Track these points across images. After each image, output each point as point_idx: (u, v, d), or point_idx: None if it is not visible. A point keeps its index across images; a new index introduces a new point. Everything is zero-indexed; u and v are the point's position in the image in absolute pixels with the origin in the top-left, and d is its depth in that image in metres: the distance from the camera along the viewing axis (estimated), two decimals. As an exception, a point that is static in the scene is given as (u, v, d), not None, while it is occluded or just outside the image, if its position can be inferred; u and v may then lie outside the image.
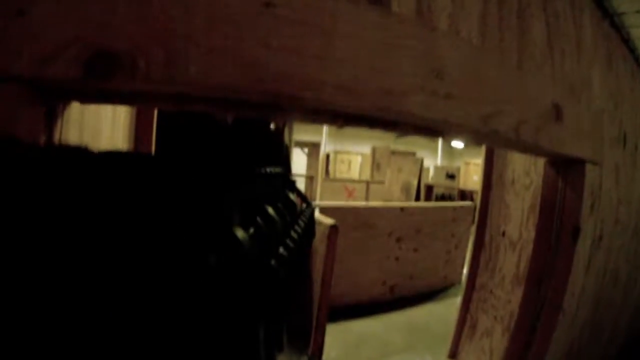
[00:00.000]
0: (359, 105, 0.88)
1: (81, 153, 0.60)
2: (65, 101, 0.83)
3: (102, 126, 1.19)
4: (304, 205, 1.99)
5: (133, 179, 0.58)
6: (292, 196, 1.80)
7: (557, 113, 1.38)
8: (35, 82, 0.68)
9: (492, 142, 1.51)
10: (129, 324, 0.49)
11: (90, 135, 1.06)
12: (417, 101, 0.96)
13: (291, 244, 1.24)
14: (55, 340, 0.44)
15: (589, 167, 1.54)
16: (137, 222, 0.55)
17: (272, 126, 1.96)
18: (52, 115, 0.79)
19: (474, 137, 1.34)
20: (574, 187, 1.54)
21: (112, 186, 0.54)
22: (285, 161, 2.39)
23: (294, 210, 1.65)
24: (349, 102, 0.86)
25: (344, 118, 0.97)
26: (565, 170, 1.59)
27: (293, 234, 1.34)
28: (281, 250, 1.15)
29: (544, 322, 1.63)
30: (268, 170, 1.56)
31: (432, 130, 1.16)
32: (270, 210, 1.21)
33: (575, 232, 1.51)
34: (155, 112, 1.56)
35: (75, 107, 0.89)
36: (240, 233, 0.83)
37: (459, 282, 5.27)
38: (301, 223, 1.55)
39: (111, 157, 0.63)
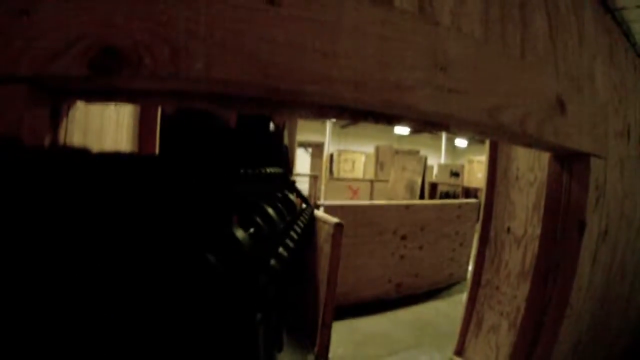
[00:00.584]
0: (365, 99, 0.88)
1: (82, 155, 0.60)
2: (70, 101, 0.84)
3: (106, 128, 1.19)
4: (304, 205, 1.99)
5: (132, 180, 0.58)
6: (292, 196, 1.80)
7: (561, 106, 1.38)
8: (40, 81, 0.69)
9: (497, 136, 1.51)
10: (130, 323, 0.49)
11: (95, 137, 1.06)
12: (422, 95, 0.96)
13: (291, 244, 1.24)
14: (57, 338, 0.44)
15: (593, 161, 1.54)
16: (135, 223, 0.56)
17: (271, 127, 1.96)
18: (57, 116, 0.80)
19: (480, 131, 1.34)
20: (579, 181, 1.54)
21: (112, 187, 0.54)
22: (285, 162, 2.39)
23: (294, 210, 1.65)
24: (355, 96, 0.86)
25: (350, 113, 0.98)
26: (570, 164, 1.58)
27: (292, 234, 1.34)
28: (280, 250, 1.15)
29: (551, 317, 1.63)
30: (268, 170, 1.57)
31: (437, 124, 1.16)
32: (270, 210, 1.21)
33: (581, 226, 1.51)
34: (159, 114, 1.56)
35: (79, 109, 0.90)
36: (240, 233, 0.83)
37: (465, 279, 5.27)
38: (300, 223, 1.55)
39: (111, 158, 0.63)
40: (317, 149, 13.94)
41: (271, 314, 0.90)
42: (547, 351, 1.64)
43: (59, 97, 0.78)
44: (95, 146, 1.03)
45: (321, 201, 4.63)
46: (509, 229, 2.63)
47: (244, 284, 0.75)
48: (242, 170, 1.26)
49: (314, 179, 10.95)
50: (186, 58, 0.70)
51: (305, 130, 14.36)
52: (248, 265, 0.80)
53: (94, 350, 0.46)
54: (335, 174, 12.83)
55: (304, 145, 14.70)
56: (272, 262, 1.03)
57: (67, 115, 0.83)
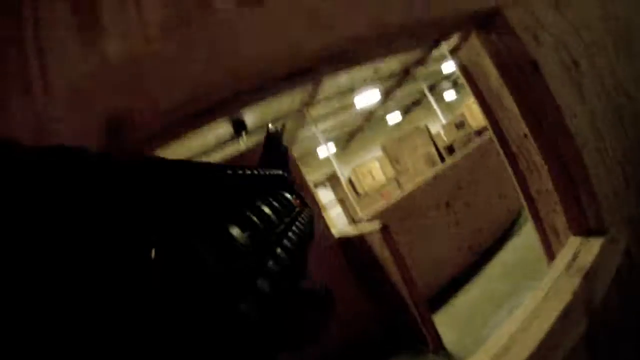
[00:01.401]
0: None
1: (80, 154, 0.60)
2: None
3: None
4: (303, 208, 1.97)
5: (130, 181, 0.58)
6: (291, 198, 1.79)
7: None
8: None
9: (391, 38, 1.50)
10: (123, 329, 0.48)
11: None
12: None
13: (290, 245, 1.22)
14: (58, 340, 0.43)
15: (507, 10, 1.53)
16: (132, 222, 0.55)
17: (270, 128, 1.99)
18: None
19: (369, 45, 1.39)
20: (505, 31, 1.52)
21: (109, 187, 0.54)
22: (284, 162, 2.37)
23: (292, 211, 1.63)
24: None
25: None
26: (489, 23, 1.58)
27: (291, 235, 1.32)
28: (279, 251, 1.13)
29: (570, 158, 1.58)
30: (267, 172, 1.56)
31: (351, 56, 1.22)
32: (267, 210, 1.20)
33: (534, 65, 1.48)
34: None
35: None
36: (236, 232, 0.83)
37: (522, 207, 5.13)
38: (299, 224, 1.52)
39: (109, 159, 0.63)
40: (333, 180, 13.94)
41: (269, 314, 0.86)
42: (590, 192, 1.58)
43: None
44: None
45: (358, 216, 4.62)
46: (525, 135, 2.58)
47: (241, 286, 0.75)
48: (240, 172, 1.25)
49: (341, 202, 10.95)
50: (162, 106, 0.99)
51: (313, 171, 14.53)
52: (245, 266, 0.80)
53: (90, 349, 0.45)
54: (360, 191, 12.72)
55: (320, 184, 14.78)
56: (270, 263, 1.02)
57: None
